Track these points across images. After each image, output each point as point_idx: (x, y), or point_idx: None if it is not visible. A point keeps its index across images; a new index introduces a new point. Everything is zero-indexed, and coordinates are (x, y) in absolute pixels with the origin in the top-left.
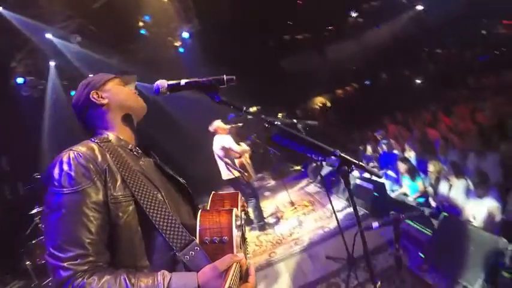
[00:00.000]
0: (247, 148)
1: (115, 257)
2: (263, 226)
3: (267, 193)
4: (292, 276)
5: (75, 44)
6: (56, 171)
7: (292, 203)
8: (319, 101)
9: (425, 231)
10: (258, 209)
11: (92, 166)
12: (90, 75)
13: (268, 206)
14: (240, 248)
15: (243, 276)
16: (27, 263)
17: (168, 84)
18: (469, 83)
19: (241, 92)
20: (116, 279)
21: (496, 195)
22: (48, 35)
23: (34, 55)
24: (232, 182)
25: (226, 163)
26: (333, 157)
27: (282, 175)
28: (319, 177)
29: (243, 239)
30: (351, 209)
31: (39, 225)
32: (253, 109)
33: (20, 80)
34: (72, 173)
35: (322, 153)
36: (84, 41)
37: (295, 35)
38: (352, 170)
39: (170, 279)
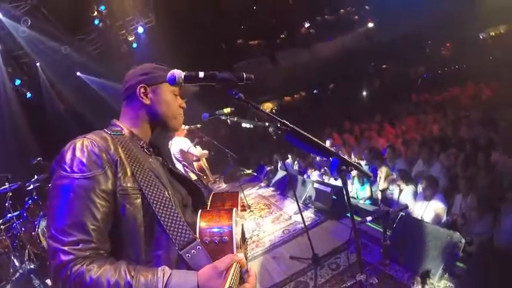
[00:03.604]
0: (206, 152)
1: (117, 248)
2: None
3: None
4: (258, 277)
5: (25, 27)
6: (68, 156)
7: (248, 206)
8: (267, 106)
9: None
10: None
11: (104, 155)
12: (155, 65)
13: None
14: (240, 248)
15: (243, 277)
16: None
17: (185, 75)
18: (412, 98)
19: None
20: (115, 270)
21: (441, 198)
22: None
23: None
24: None
25: (184, 166)
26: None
27: (232, 178)
28: (272, 181)
29: (243, 239)
30: (307, 211)
31: None
32: (227, 110)
33: None
34: (84, 160)
35: (325, 154)
36: (34, 25)
37: (248, 39)
38: (352, 170)
39: (170, 275)
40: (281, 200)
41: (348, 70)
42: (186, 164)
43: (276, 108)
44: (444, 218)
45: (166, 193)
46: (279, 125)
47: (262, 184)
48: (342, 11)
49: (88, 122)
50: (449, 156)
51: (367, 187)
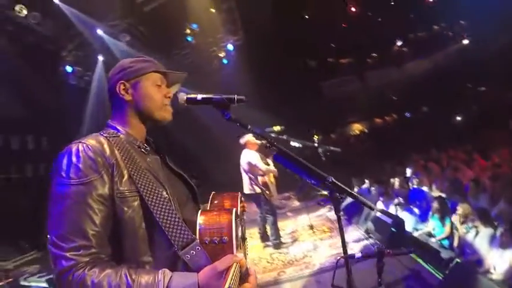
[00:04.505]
0: (274, 169)
1: (118, 251)
2: (278, 245)
3: (289, 213)
4: None
5: (124, 42)
6: (64, 162)
7: (311, 227)
8: (356, 128)
9: (437, 275)
10: (275, 227)
11: (99, 159)
12: (132, 58)
13: (288, 226)
14: (240, 248)
15: (243, 277)
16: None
17: (186, 98)
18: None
19: (279, 108)
20: (116, 274)
21: None
22: (99, 31)
23: (84, 48)
24: (252, 197)
25: (249, 178)
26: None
27: (307, 197)
28: (342, 205)
29: (243, 239)
30: (367, 241)
31: None
32: (277, 128)
33: (68, 69)
34: (80, 165)
35: (316, 178)
36: (132, 40)
37: (338, 58)
38: (344, 198)
39: (171, 277)
40: (345, 226)
41: (442, 92)
42: (252, 177)
43: (365, 130)
44: None
45: (165, 193)
46: (267, 145)
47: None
48: (435, 27)
49: (173, 129)
50: None
51: (447, 224)
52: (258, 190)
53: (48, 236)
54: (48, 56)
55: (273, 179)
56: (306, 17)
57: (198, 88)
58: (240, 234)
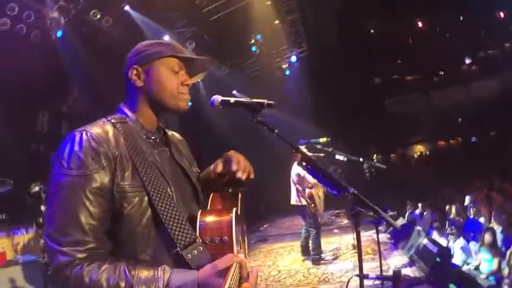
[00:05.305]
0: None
1: (116, 247)
2: (318, 260)
3: (336, 230)
4: None
5: (189, 49)
6: (66, 151)
7: (354, 246)
8: (418, 149)
9: None
10: (317, 241)
11: (102, 150)
12: (149, 41)
13: (332, 243)
14: (240, 248)
15: (243, 277)
16: None
17: (221, 100)
18: None
19: (338, 123)
20: (115, 270)
21: None
22: (167, 37)
23: None
24: (298, 208)
25: (297, 189)
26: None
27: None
28: (391, 228)
29: (243, 239)
30: (409, 269)
31: None
32: (323, 140)
33: None
34: (82, 155)
35: (337, 188)
36: (197, 48)
37: (403, 75)
38: (361, 211)
39: (171, 274)
40: (390, 250)
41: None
42: (299, 188)
43: (427, 153)
44: None
45: (169, 190)
46: (293, 151)
47: (381, 228)
48: (506, 44)
49: (231, 136)
50: None
51: (495, 260)
52: (304, 202)
53: (45, 226)
54: (116, 58)
55: (321, 193)
56: (372, 31)
57: (260, 98)
58: (240, 234)
